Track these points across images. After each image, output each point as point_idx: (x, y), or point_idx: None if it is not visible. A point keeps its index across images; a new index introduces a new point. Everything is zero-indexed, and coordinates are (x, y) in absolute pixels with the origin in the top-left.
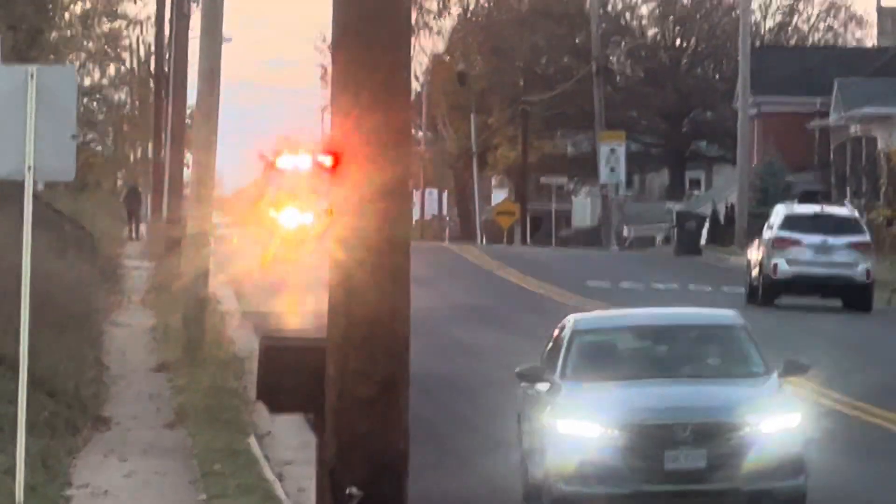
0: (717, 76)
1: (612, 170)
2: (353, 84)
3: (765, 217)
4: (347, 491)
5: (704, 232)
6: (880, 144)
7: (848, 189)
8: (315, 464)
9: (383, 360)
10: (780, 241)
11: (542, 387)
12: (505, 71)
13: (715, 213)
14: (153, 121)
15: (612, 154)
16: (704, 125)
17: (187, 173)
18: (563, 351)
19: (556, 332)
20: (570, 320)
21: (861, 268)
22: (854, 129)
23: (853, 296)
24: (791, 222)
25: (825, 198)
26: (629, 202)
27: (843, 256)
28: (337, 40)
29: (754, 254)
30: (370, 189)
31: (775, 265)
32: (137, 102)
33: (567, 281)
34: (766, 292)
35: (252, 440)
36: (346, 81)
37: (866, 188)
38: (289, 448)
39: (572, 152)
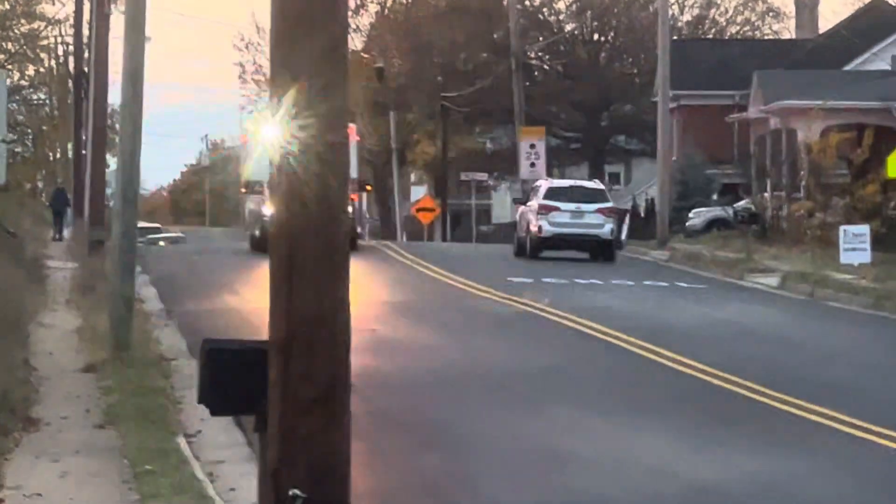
0: (635, 70)
1: (533, 165)
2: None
3: (687, 210)
4: (290, 493)
5: (625, 226)
6: (800, 136)
7: (768, 182)
8: (257, 465)
9: (325, 361)
10: (544, 208)
11: None
12: (424, 67)
13: (635, 208)
14: (73, 121)
15: (532, 149)
16: (623, 119)
17: (109, 173)
18: None
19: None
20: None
21: (606, 228)
22: (774, 122)
23: (600, 250)
24: (552, 193)
25: (746, 191)
26: None
27: (592, 219)
28: (274, 44)
29: (523, 218)
30: (310, 189)
31: (540, 226)
32: (56, 103)
33: (488, 276)
34: (533, 248)
35: (182, 440)
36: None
37: (787, 180)
38: (218, 447)
39: (492, 148)
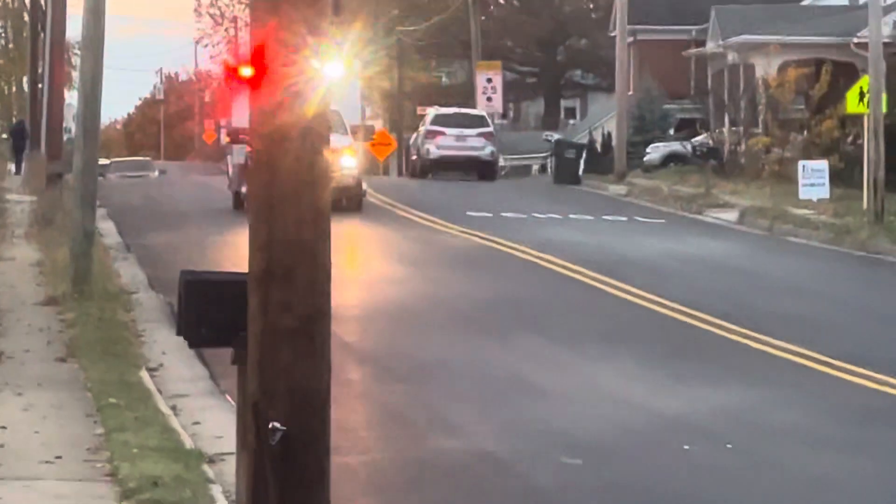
0: (591, 5)
1: (489, 99)
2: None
3: (644, 145)
4: (270, 426)
5: (582, 161)
6: (758, 72)
7: (726, 117)
8: (237, 399)
9: (306, 291)
10: (431, 133)
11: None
12: (380, 1)
13: (592, 142)
14: (30, 55)
15: (489, 83)
16: (579, 54)
17: (65, 107)
18: None
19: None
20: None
21: (487, 150)
22: (731, 57)
23: (482, 170)
24: (438, 120)
25: (703, 126)
26: (505, 131)
27: (474, 143)
28: None
29: (413, 143)
30: (292, 114)
31: (427, 149)
32: (12, 35)
33: (447, 211)
34: (422, 169)
35: (144, 373)
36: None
37: (745, 116)
38: (181, 381)
39: (448, 82)
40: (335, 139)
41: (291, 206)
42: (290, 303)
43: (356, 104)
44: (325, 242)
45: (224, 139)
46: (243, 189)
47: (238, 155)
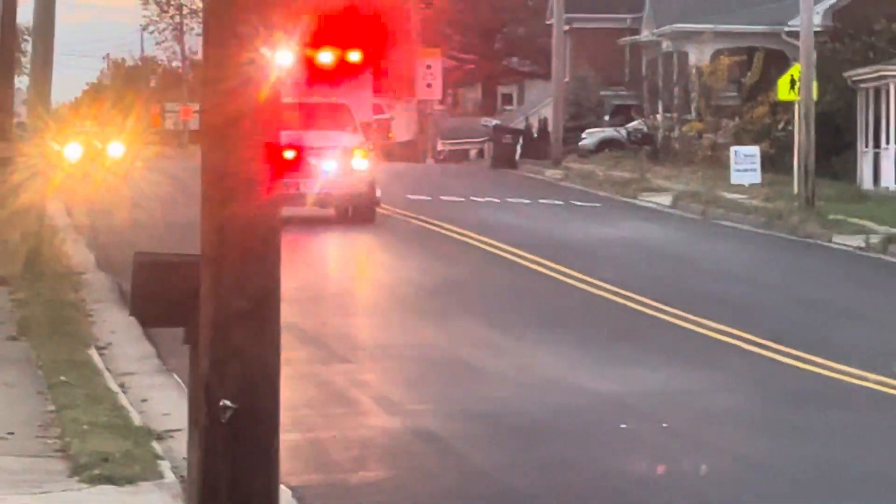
0: None
1: (429, 85)
2: None
3: (579, 131)
4: (221, 403)
5: (519, 147)
6: (692, 59)
7: (660, 103)
8: (189, 377)
9: (257, 273)
10: None
11: None
12: None
13: (528, 128)
14: None
15: (429, 70)
16: (517, 42)
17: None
18: None
19: None
20: None
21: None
22: (665, 45)
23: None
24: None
25: (638, 112)
26: (443, 116)
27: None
28: None
29: None
30: (242, 100)
31: None
32: None
33: (388, 194)
34: None
35: (93, 352)
36: None
37: (678, 102)
38: (128, 359)
39: (391, 69)
40: (343, 138)
41: (243, 190)
42: (241, 284)
43: (367, 98)
44: (275, 227)
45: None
46: None
47: None
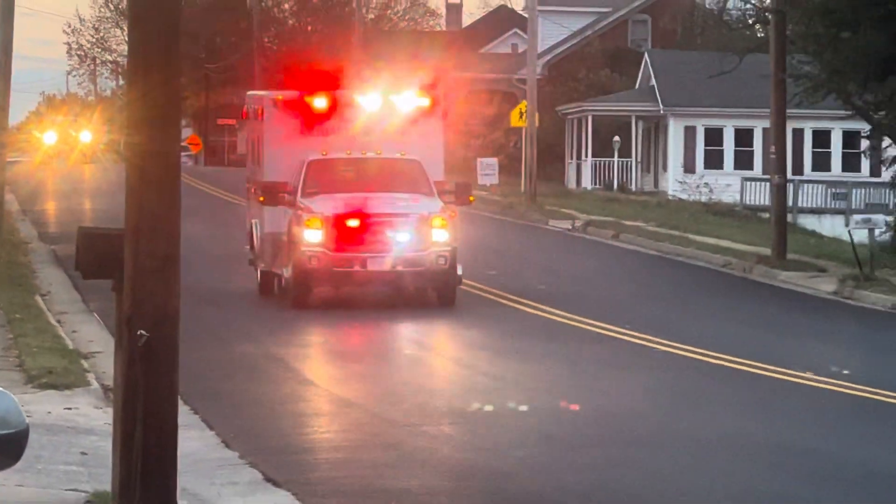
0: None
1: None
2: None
3: None
4: (139, 332)
5: None
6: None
7: None
8: (114, 315)
9: (163, 242)
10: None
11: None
12: (191, 47)
13: None
14: None
15: None
16: None
17: None
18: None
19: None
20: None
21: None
22: None
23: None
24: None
25: None
26: None
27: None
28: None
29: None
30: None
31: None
32: None
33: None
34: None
35: (38, 298)
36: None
37: None
38: (62, 303)
39: (238, 101)
40: (418, 204)
41: (154, 187)
42: (152, 249)
43: (439, 155)
44: (176, 211)
45: (259, 199)
46: (281, 271)
47: (271, 222)
